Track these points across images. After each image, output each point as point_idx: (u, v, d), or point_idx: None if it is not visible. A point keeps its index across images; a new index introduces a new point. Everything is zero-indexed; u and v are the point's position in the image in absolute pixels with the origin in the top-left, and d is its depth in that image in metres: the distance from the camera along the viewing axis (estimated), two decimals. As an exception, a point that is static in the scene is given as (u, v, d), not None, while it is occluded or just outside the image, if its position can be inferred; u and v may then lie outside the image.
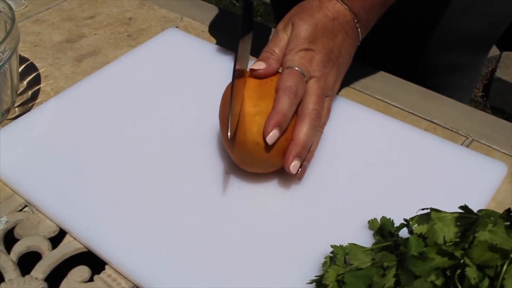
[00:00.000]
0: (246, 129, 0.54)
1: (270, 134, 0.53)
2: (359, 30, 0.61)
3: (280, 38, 0.59)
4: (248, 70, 0.58)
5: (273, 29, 0.80)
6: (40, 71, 0.75)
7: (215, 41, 0.79)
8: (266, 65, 0.57)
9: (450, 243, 0.44)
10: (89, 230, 0.54)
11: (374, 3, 0.61)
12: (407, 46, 0.82)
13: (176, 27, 0.82)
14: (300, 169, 0.56)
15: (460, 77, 0.85)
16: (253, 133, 0.54)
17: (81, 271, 0.52)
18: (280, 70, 0.59)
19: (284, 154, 0.55)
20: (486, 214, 0.44)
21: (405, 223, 0.47)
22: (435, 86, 0.74)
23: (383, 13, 0.63)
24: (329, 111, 0.61)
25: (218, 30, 0.81)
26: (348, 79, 0.67)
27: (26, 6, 0.88)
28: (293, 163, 0.55)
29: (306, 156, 0.57)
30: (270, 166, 0.57)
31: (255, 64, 0.57)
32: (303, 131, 0.55)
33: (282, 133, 0.54)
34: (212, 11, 0.85)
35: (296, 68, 0.57)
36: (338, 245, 0.47)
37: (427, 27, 0.79)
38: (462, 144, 0.62)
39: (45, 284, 0.51)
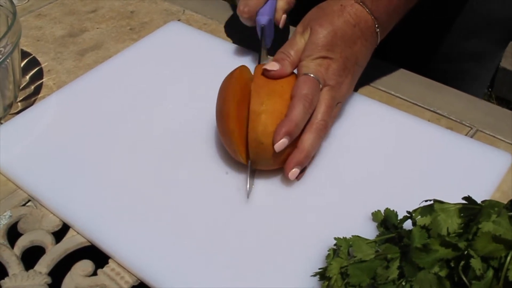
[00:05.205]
0: (251, 127, 0.54)
1: (279, 142, 0.53)
2: (378, 34, 0.60)
3: (297, 42, 0.59)
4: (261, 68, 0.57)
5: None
6: (43, 65, 0.75)
7: (217, 34, 0.78)
8: (280, 66, 0.57)
9: (454, 235, 0.44)
10: (92, 224, 0.54)
11: (397, 6, 0.60)
12: (430, 30, 0.80)
13: (178, 20, 0.81)
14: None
15: (479, 67, 0.84)
16: (257, 132, 0.54)
17: (85, 265, 0.52)
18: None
19: (287, 155, 0.55)
20: (489, 205, 0.44)
21: (408, 215, 0.47)
22: (454, 75, 0.73)
23: (403, 15, 0.62)
24: (335, 117, 0.61)
25: (235, 30, 0.79)
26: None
27: (28, 0, 0.88)
28: (293, 170, 0.55)
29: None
30: (273, 165, 0.56)
31: (269, 65, 0.57)
32: (309, 140, 0.55)
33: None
34: (214, 4, 0.85)
35: (312, 76, 0.56)
36: (342, 237, 0.47)
37: (454, 11, 0.77)
38: (466, 135, 0.62)
39: (48, 279, 0.51)
